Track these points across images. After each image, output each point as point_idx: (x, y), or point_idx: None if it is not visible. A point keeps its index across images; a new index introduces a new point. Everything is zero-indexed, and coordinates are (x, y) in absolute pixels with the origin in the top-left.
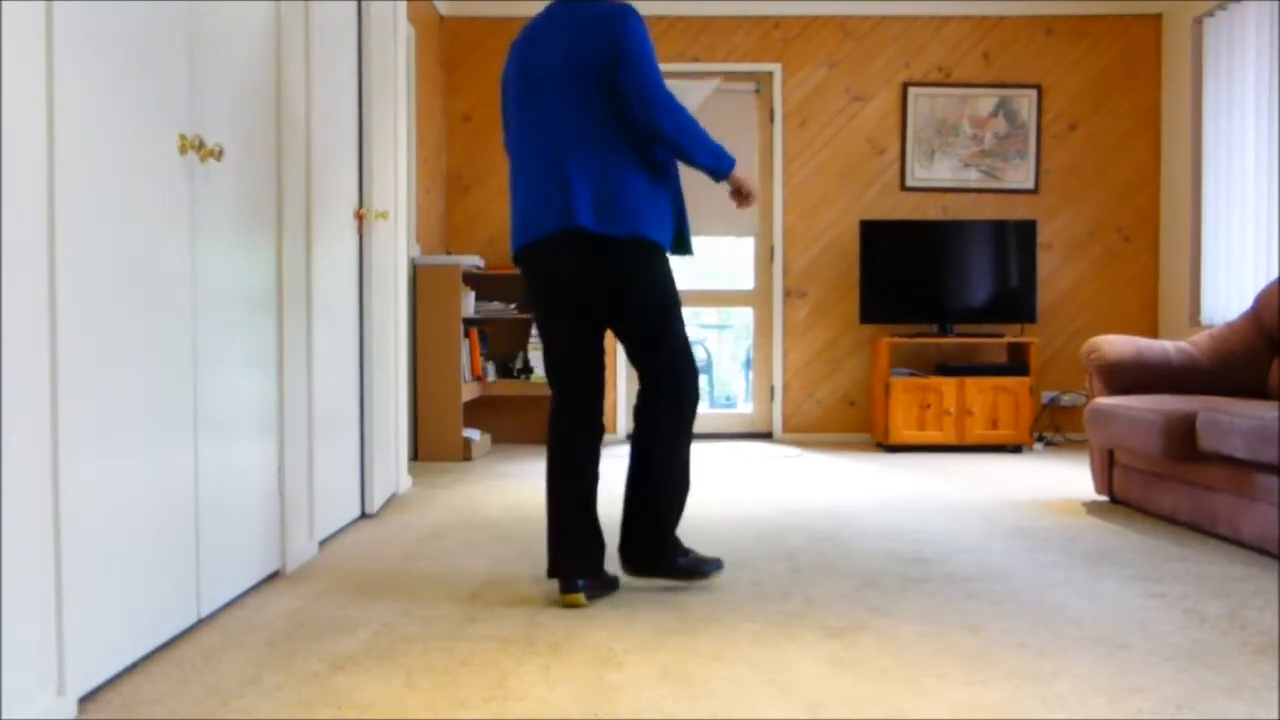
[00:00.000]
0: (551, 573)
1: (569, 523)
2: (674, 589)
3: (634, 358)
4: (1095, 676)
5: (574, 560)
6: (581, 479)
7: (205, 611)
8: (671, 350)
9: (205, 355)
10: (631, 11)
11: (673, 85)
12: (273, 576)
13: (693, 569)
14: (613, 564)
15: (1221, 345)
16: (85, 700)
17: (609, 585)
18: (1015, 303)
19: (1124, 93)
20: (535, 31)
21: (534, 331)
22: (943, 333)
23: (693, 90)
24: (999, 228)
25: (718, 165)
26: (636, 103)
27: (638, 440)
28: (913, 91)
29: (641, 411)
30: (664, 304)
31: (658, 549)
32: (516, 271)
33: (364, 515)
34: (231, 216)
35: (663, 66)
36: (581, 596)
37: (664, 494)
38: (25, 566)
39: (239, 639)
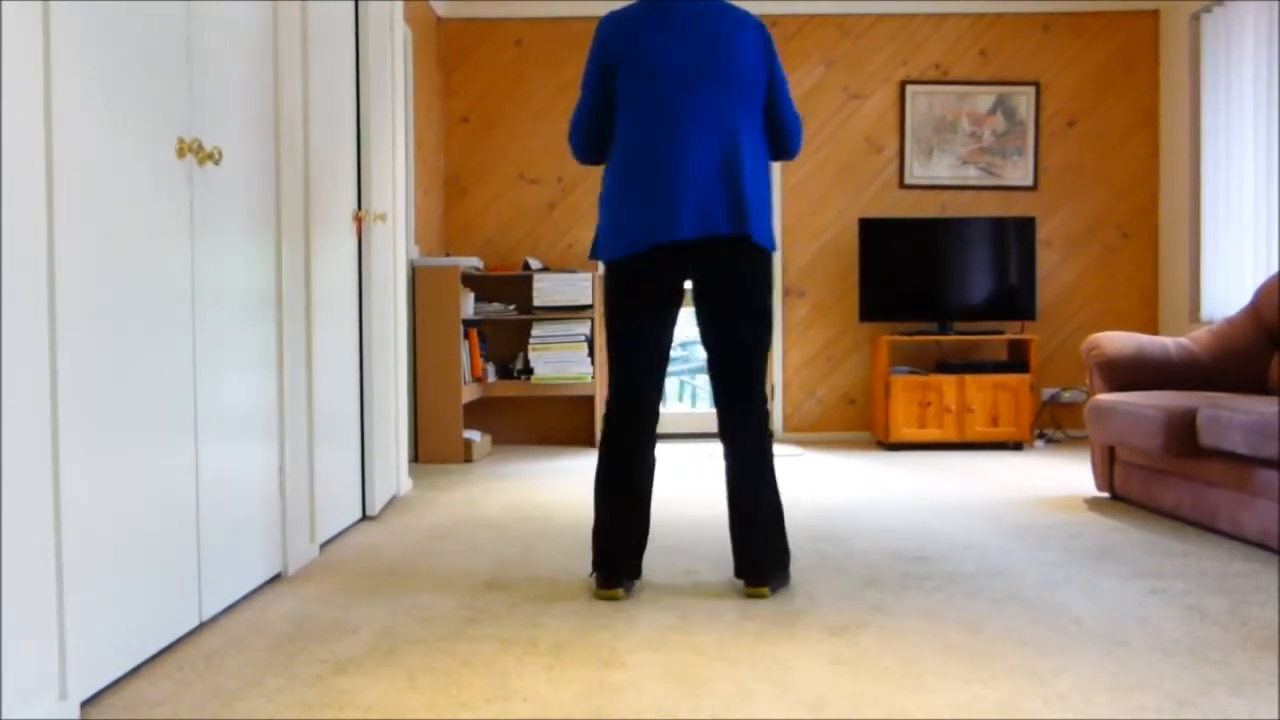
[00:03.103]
0: (601, 567)
1: (625, 522)
2: (675, 589)
3: (731, 372)
4: (1097, 674)
5: (626, 558)
6: (646, 480)
7: (207, 614)
8: (759, 381)
9: (205, 358)
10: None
11: None
12: (274, 579)
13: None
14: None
15: (1221, 341)
16: (87, 703)
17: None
18: (1015, 300)
19: (1122, 89)
20: (660, 13)
21: (536, 333)
22: (942, 330)
23: None
24: (998, 225)
25: None
26: (792, 128)
27: (742, 464)
28: (911, 89)
29: (745, 434)
30: (770, 328)
31: (782, 557)
32: (593, 268)
33: (365, 517)
34: (230, 219)
35: None
36: (622, 591)
37: (774, 503)
38: (26, 569)
39: (241, 641)
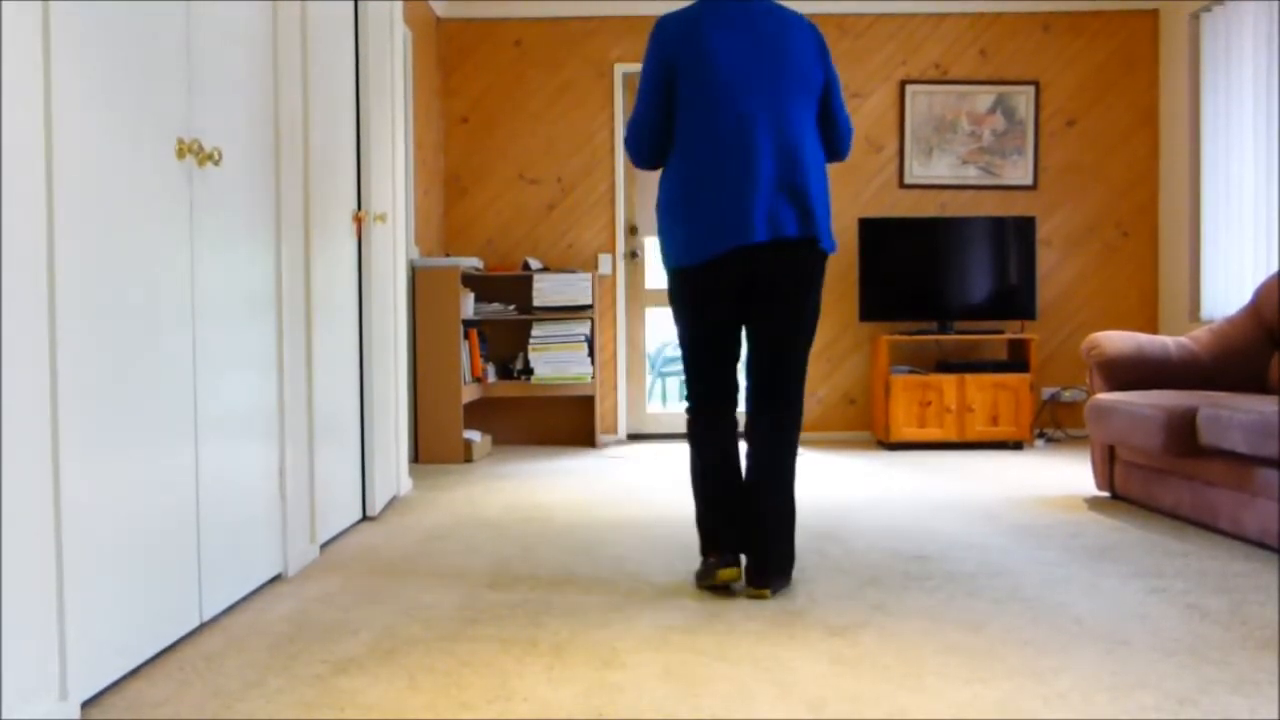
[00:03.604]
0: (714, 552)
1: (726, 514)
2: (675, 589)
3: (775, 373)
4: (1097, 673)
5: (736, 543)
6: (735, 477)
7: (207, 615)
8: (803, 373)
9: (205, 358)
10: None
11: None
12: (274, 579)
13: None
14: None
15: (1221, 340)
16: (88, 704)
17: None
18: (1015, 299)
19: (1122, 88)
20: (717, 16)
21: (536, 334)
22: (942, 330)
23: None
24: (998, 224)
25: None
26: (845, 130)
27: (769, 463)
28: (910, 89)
29: (777, 435)
30: (816, 325)
31: (788, 561)
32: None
33: (365, 517)
34: (230, 219)
35: None
36: (738, 571)
37: (790, 506)
38: (26, 569)
39: (241, 642)
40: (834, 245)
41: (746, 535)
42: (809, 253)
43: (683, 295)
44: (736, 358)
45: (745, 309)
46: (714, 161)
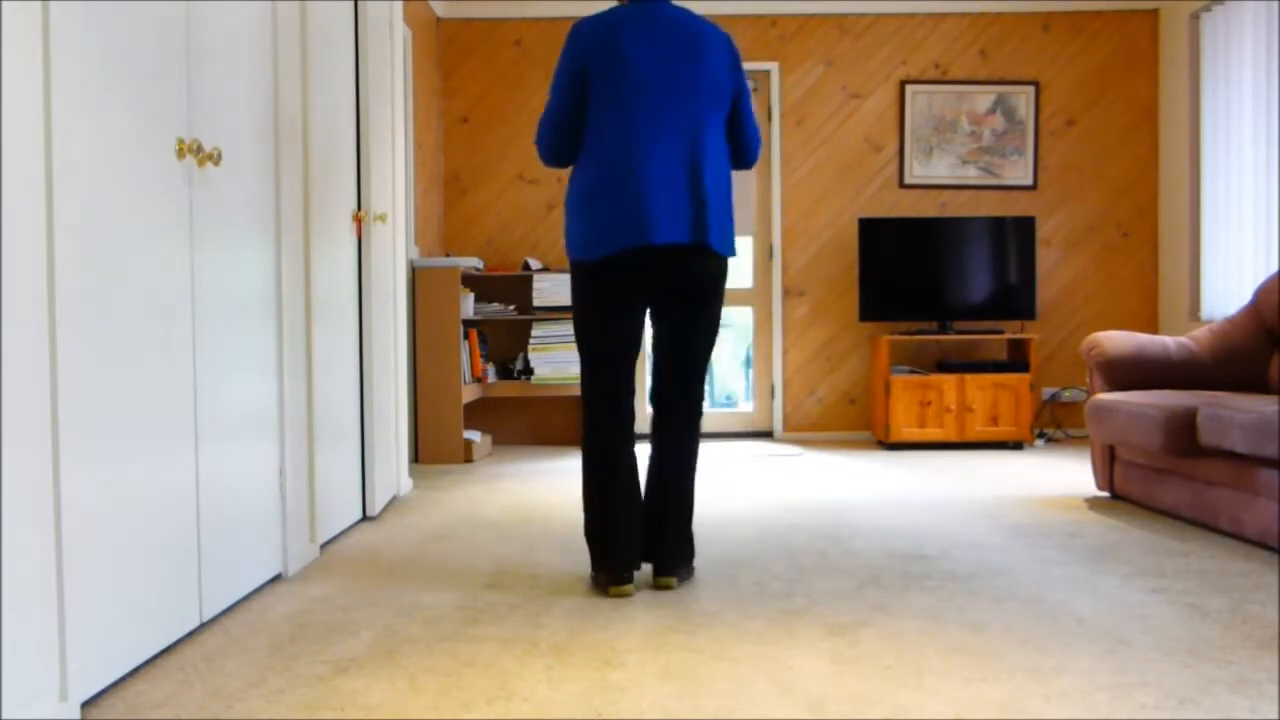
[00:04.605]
0: (604, 567)
1: (622, 522)
2: (676, 589)
3: (679, 374)
4: (1098, 672)
5: (630, 555)
6: (633, 480)
7: (207, 615)
8: (704, 383)
9: (205, 358)
10: None
11: None
12: (275, 579)
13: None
14: None
15: (1221, 340)
16: (88, 704)
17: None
18: (1015, 299)
19: (1122, 88)
20: (634, 24)
21: (536, 334)
22: (942, 330)
23: None
24: (998, 224)
25: None
26: (754, 140)
27: (671, 459)
28: (910, 89)
29: (683, 435)
30: (718, 328)
31: (690, 550)
32: (583, 266)
33: (365, 518)
34: (230, 220)
35: None
36: (631, 587)
37: (690, 500)
38: (27, 570)
39: (241, 642)
40: (734, 251)
41: (641, 540)
42: (708, 258)
43: (581, 290)
44: (632, 357)
45: (643, 311)
46: (619, 164)
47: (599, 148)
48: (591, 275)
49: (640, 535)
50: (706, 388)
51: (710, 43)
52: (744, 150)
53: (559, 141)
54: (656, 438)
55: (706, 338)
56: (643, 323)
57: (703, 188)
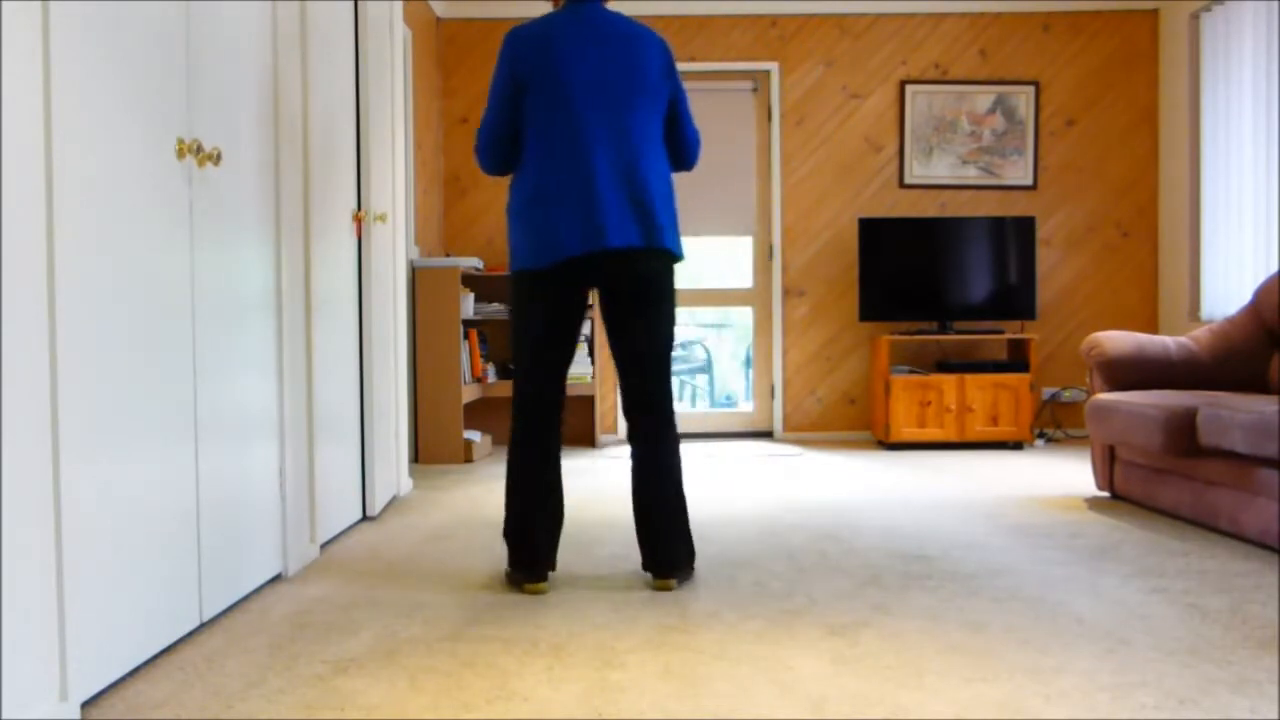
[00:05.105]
0: (520, 566)
1: (543, 521)
2: (676, 589)
3: (648, 382)
4: (1098, 672)
5: (548, 554)
6: (557, 483)
7: (208, 615)
8: (670, 377)
9: (205, 358)
10: None
11: None
12: (275, 579)
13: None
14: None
15: (1221, 340)
16: (88, 704)
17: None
18: (1015, 299)
19: (1122, 88)
20: (568, 30)
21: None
22: (942, 330)
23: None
24: (998, 224)
25: None
26: (693, 142)
27: (653, 463)
28: (910, 89)
29: (649, 439)
30: (674, 328)
31: (689, 551)
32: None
33: (365, 517)
34: (230, 219)
35: None
36: (546, 585)
37: (681, 500)
38: (27, 569)
39: (242, 642)
40: (681, 253)
41: (557, 541)
42: (654, 261)
43: (521, 299)
44: (566, 363)
45: (582, 317)
46: (558, 170)
47: (539, 154)
48: (541, 282)
49: (557, 536)
50: (704, 386)
51: (645, 46)
52: (683, 152)
53: (498, 149)
54: (636, 445)
55: (666, 339)
56: (579, 326)
57: (648, 190)
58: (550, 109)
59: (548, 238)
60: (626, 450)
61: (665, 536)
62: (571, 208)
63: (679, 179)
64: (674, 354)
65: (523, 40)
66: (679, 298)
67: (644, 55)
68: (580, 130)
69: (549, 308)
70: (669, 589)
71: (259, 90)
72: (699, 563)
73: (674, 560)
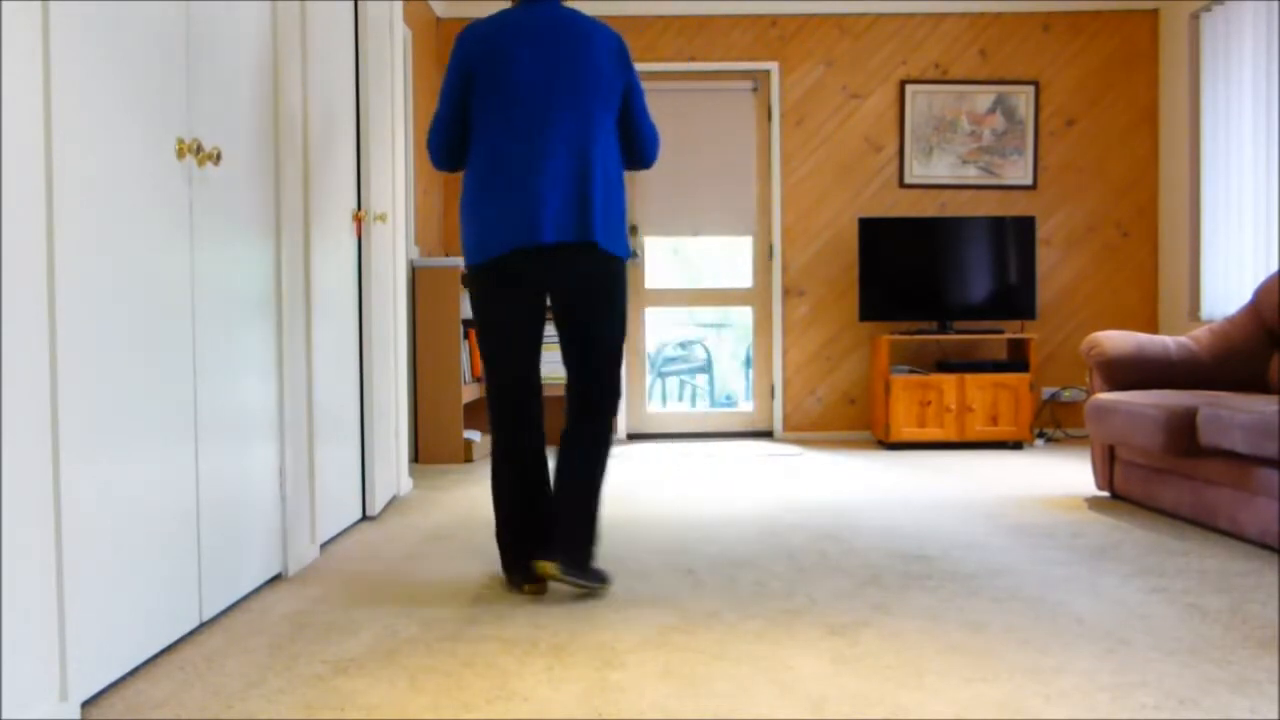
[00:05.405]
0: (515, 570)
1: (533, 525)
2: (675, 589)
3: (584, 377)
4: (1098, 672)
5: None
6: (543, 481)
7: (207, 614)
8: (617, 378)
9: (205, 358)
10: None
11: (668, 85)
12: (275, 579)
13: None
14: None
15: (1221, 340)
16: (88, 704)
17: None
18: (1014, 299)
19: (1122, 88)
20: (520, 28)
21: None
22: (942, 330)
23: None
24: (998, 224)
25: None
26: (649, 138)
27: (571, 454)
28: (910, 89)
29: (592, 435)
30: (624, 329)
31: (587, 537)
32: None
33: (365, 517)
34: (230, 219)
35: (659, 66)
36: (545, 584)
37: (592, 493)
38: (27, 569)
39: (242, 642)
40: (627, 250)
41: (543, 532)
42: (599, 257)
43: (477, 291)
44: (532, 356)
45: (541, 309)
46: (506, 166)
47: (486, 151)
48: (487, 277)
49: (552, 530)
50: (704, 385)
51: (597, 41)
52: (639, 148)
53: (447, 146)
54: (567, 441)
55: (609, 341)
56: (543, 322)
57: (590, 187)
58: (498, 108)
59: (487, 234)
60: (625, 450)
61: (564, 520)
62: (511, 204)
63: (679, 179)
64: (675, 356)
65: (473, 36)
66: (680, 297)
67: (596, 53)
68: (527, 129)
69: (498, 305)
70: (548, 574)
71: (259, 90)
72: (699, 562)
73: (569, 545)
